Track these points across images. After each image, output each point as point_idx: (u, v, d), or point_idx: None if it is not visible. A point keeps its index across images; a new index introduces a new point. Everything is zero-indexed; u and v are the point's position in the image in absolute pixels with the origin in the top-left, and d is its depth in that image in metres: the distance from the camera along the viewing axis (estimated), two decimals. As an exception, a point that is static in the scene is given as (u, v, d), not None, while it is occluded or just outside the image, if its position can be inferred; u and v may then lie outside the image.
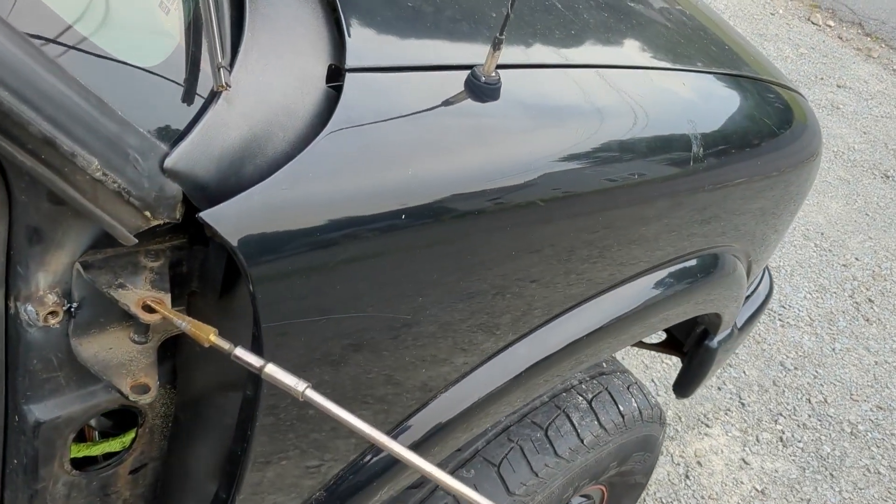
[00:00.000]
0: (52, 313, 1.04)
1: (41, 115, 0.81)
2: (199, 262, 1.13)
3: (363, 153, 1.13)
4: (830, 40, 7.40)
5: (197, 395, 1.29)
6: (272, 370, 1.01)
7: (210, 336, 1.03)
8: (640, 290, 1.77)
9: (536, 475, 1.80)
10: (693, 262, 1.89)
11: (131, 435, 1.28)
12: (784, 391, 3.99)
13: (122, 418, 1.31)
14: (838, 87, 6.69)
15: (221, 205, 0.97)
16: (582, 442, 1.87)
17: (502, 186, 1.27)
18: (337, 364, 1.23)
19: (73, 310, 1.06)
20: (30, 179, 0.92)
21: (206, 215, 0.96)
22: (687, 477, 3.49)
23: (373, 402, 1.35)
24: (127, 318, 1.13)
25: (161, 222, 0.95)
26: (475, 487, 1.77)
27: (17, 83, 0.79)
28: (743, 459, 3.61)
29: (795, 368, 4.14)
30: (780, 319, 4.35)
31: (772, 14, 7.49)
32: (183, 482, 1.40)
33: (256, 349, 1.10)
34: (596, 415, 1.92)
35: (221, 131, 1.00)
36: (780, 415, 3.86)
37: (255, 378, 1.15)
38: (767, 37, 7.09)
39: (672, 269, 1.82)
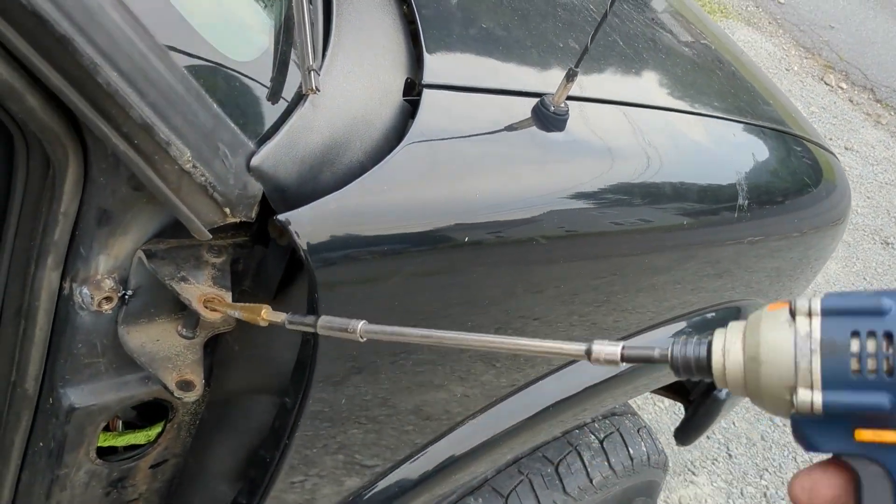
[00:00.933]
0: (107, 298, 1.02)
1: (144, 100, 0.79)
2: (257, 262, 1.11)
3: (433, 170, 1.12)
4: (842, 102, 7.48)
5: (227, 395, 1.26)
6: (325, 321, 0.94)
7: (262, 313, 0.99)
8: (658, 340, 1.76)
9: (543, 510, 1.78)
10: (714, 315, 1.88)
11: (157, 429, 1.25)
12: (771, 447, 3.99)
13: (148, 410, 1.28)
14: (846, 149, 6.76)
15: (299, 209, 0.95)
16: (591, 482, 1.85)
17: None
18: (373, 380, 1.21)
19: (126, 297, 1.04)
20: (112, 162, 0.90)
21: (284, 218, 0.94)
22: (669, 524, 3.47)
23: (396, 424, 1.33)
24: (177, 310, 1.11)
25: (237, 220, 0.93)
26: (482, 516, 1.75)
27: (128, 66, 0.77)
28: (726, 511, 3.60)
29: (784, 425, 4.14)
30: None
31: (787, 70, 7.56)
32: (197, 481, 1.37)
33: (310, 359, 1.08)
34: (606, 455, 1.90)
35: (306, 135, 0.98)
36: (766, 470, 3.85)
37: (299, 386, 1.12)
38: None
39: (693, 319, 1.81)
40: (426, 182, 1.11)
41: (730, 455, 3.89)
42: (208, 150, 0.86)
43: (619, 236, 1.37)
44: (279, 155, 0.94)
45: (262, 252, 1.10)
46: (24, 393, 1.09)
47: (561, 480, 1.81)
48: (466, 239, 1.12)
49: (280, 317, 0.98)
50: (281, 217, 0.94)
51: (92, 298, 1.00)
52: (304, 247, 0.96)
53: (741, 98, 1.93)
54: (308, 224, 0.96)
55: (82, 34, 0.73)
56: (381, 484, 1.42)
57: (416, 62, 1.22)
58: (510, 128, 1.25)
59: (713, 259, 1.66)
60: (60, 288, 1.02)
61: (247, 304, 1.00)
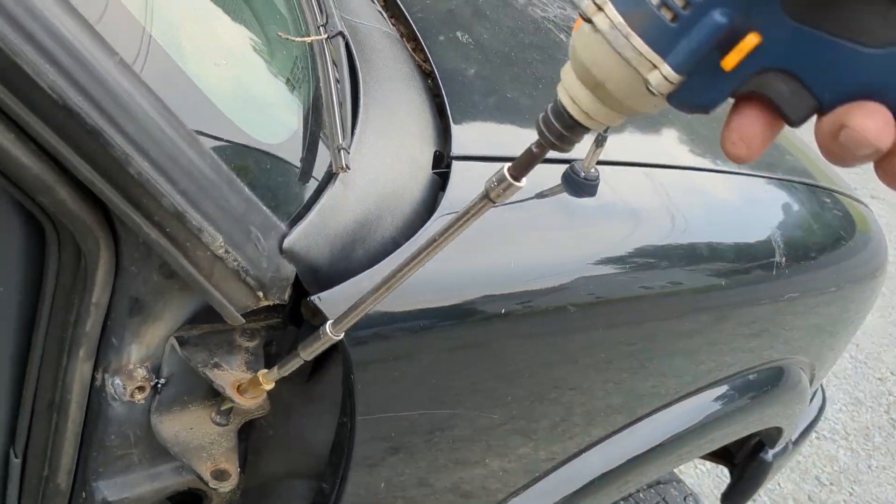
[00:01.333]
0: (140, 388, 1.00)
1: (176, 188, 0.78)
2: (290, 344, 1.09)
3: (466, 242, 1.09)
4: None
5: (263, 481, 1.23)
6: (305, 346, 0.92)
7: (261, 378, 0.97)
8: (702, 405, 1.70)
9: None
10: (757, 376, 1.82)
11: (192, 520, 1.21)
12: (820, 508, 3.84)
13: (183, 500, 1.25)
14: (871, 197, 6.69)
15: (332, 290, 0.93)
16: (638, 554, 1.78)
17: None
18: (410, 459, 1.17)
19: (159, 386, 1.02)
20: (144, 250, 0.89)
21: (317, 300, 0.92)
22: (719, 592, 3.33)
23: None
24: (210, 397, 1.09)
25: (270, 303, 0.91)
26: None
27: (159, 155, 0.76)
28: (777, 577, 3.45)
29: (831, 484, 4.00)
30: (815, 431, 4.23)
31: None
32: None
33: (348, 440, 1.04)
34: (653, 526, 1.83)
35: (337, 214, 0.97)
36: (816, 533, 3.71)
37: (336, 470, 1.09)
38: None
39: (735, 382, 1.76)
40: (459, 254, 1.09)
41: (778, 519, 3.75)
42: (240, 235, 0.85)
43: (649, 300, 1.33)
44: (311, 235, 0.93)
45: (295, 333, 1.08)
46: (56, 488, 1.06)
47: (608, 554, 1.74)
48: (503, 311, 1.10)
49: (273, 372, 0.96)
50: (314, 298, 0.92)
51: (124, 389, 0.99)
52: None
53: (766, 152, 1.91)
54: (343, 304, 0.94)
55: (113, 125, 0.72)
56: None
57: (444, 134, 1.22)
58: (541, 195, 1.24)
59: (748, 319, 1.61)
60: (92, 379, 1.00)
61: (252, 378, 0.98)
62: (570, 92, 0.60)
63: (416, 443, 1.13)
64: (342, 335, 0.89)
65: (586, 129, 0.62)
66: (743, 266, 1.55)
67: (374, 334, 0.98)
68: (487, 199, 0.72)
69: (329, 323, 0.88)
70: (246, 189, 0.86)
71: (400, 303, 1.00)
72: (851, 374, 4.74)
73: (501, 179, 0.69)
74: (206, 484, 1.01)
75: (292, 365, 0.95)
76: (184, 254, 0.83)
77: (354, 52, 1.13)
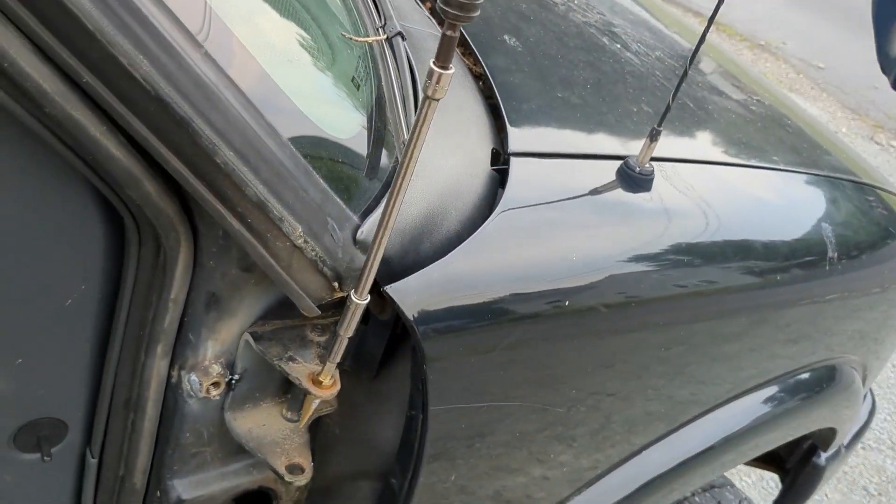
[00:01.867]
0: (215, 384, 1.01)
1: (259, 177, 0.80)
2: (357, 340, 1.10)
3: (527, 236, 1.11)
4: (895, 160, 7.37)
5: (329, 481, 1.24)
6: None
7: (320, 377, 0.99)
8: (752, 406, 1.68)
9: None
10: (809, 375, 1.80)
11: (260, 520, 1.22)
12: (869, 518, 3.77)
13: (249, 502, 1.26)
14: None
15: (405, 280, 0.95)
16: (697, 558, 1.76)
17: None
18: (479, 453, 1.18)
19: (233, 382, 1.03)
20: (223, 245, 0.91)
21: (391, 289, 0.94)
22: None
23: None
24: (281, 393, 1.10)
25: (344, 294, 0.93)
26: None
27: (243, 145, 0.78)
28: (830, 590, 3.39)
29: (879, 494, 3.93)
30: (860, 441, 4.16)
31: (835, 132, 7.51)
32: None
33: (419, 434, 1.05)
34: (711, 530, 1.81)
35: (405, 206, 0.98)
36: (868, 544, 3.63)
37: (406, 466, 1.10)
38: (832, 154, 7.07)
39: (787, 382, 1.73)
40: (521, 248, 1.10)
41: (828, 530, 3.69)
42: (318, 225, 0.87)
43: (683, 300, 1.31)
44: (382, 226, 0.94)
45: (362, 329, 1.09)
46: (132, 487, 1.08)
47: (666, 559, 1.72)
48: (567, 303, 1.10)
49: (328, 365, 0.98)
50: (387, 289, 0.94)
51: (200, 385, 1.00)
52: (411, 318, 0.96)
53: (810, 151, 1.89)
54: (414, 294, 0.96)
55: (201, 115, 0.75)
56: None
57: (499, 133, 1.23)
58: (595, 191, 1.25)
59: (785, 322, 1.56)
60: (168, 376, 1.02)
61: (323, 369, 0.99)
62: None
63: (484, 436, 1.14)
64: (367, 298, 0.90)
65: None
66: (785, 265, 1.52)
67: (447, 326, 0.99)
68: (429, 98, 0.75)
69: (351, 292, 0.90)
70: (321, 180, 0.88)
71: (471, 296, 1.01)
72: (895, 384, 4.67)
73: (431, 75, 0.73)
74: (282, 478, 1.03)
75: (339, 348, 0.96)
76: (264, 244, 0.85)
77: (409, 52, 1.15)
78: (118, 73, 0.70)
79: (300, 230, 0.85)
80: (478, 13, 0.69)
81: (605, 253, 1.19)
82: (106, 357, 1.03)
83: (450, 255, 0.99)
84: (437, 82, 0.74)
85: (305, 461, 1.05)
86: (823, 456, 2.20)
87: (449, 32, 0.70)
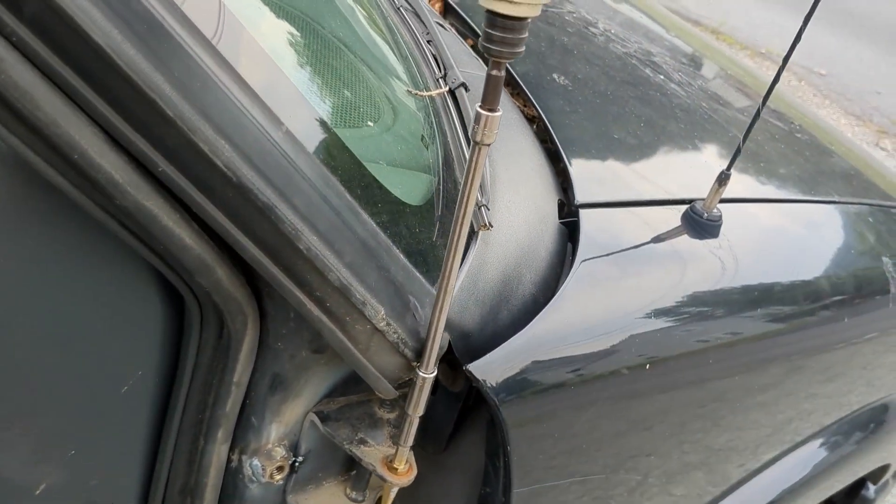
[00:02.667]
0: (279, 468, 0.94)
1: (342, 260, 0.73)
2: (425, 412, 1.03)
3: (603, 294, 1.04)
4: (901, 166, 7.32)
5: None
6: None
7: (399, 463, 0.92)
8: (810, 455, 1.61)
9: None
10: (862, 416, 1.73)
11: None
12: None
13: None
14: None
15: (486, 357, 0.88)
16: None
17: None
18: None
19: (296, 464, 0.96)
20: (293, 327, 0.84)
21: (474, 368, 0.87)
22: None
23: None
24: (344, 472, 1.03)
25: (426, 377, 0.86)
26: None
27: (326, 227, 0.72)
28: None
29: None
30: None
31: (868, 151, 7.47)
32: None
33: None
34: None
35: (482, 274, 0.92)
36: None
37: None
38: (838, 162, 7.03)
39: (841, 426, 1.66)
40: (599, 305, 1.03)
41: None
42: (401, 305, 0.80)
43: (765, 342, 1.24)
44: (462, 299, 0.88)
45: (430, 399, 1.02)
46: (189, 577, 1.01)
47: None
48: (647, 366, 1.04)
49: (403, 449, 0.90)
50: (471, 367, 0.87)
51: (263, 470, 0.93)
52: (494, 395, 0.89)
53: (858, 178, 1.83)
54: (498, 370, 0.89)
55: (284, 200, 0.68)
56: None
57: (558, 177, 1.17)
58: (662, 239, 1.18)
59: (822, 366, 1.45)
60: (228, 461, 0.94)
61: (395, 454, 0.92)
62: None
63: (570, 493, 1.07)
64: (434, 371, 0.84)
65: (522, 20, 0.61)
66: (852, 301, 1.45)
67: (530, 395, 0.92)
68: (479, 144, 0.69)
69: (417, 367, 0.84)
70: (402, 256, 0.81)
71: (552, 362, 0.94)
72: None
73: (479, 119, 0.67)
74: (351, 565, 0.95)
75: (409, 429, 0.89)
76: (343, 329, 0.78)
77: (470, 104, 1.09)
78: (197, 160, 0.63)
79: (382, 313, 0.78)
80: (522, 49, 0.63)
81: (677, 304, 1.13)
82: (161, 442, 0.96)
83: (532, 322, 0.93)
84: (486, 126, 0.68)
85: (374, 545, 0.98)
86: (872, 489, 2.14)
87: (494, 72, 0.65)
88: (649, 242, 1.15)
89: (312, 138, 0.75)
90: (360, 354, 0.80)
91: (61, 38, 0.56)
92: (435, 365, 0.84)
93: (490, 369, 0.88)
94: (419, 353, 0.84)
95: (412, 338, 0.82)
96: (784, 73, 1.09)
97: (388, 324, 0.79)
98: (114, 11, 0.57)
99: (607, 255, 1.08)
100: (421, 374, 0.83)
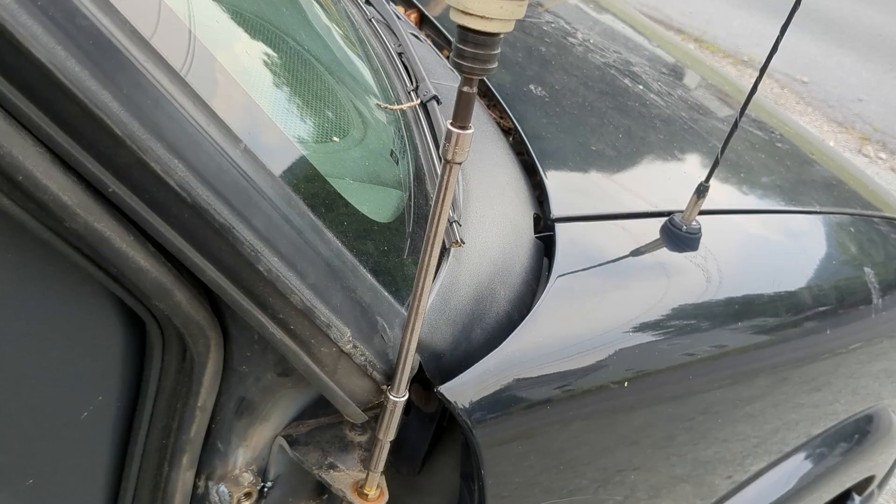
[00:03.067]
0: (247, 494, 0.91)
1: (305, 282, 0.71)
2: (398, 433, 1.00)
3: (579, 310, 1.02)
4: (884, 172, 7.37)
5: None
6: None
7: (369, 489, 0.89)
8: (793, 470, 1.59)
9: None
10: (846, 428, 1.71)
11: None
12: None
13: None
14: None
15: (458, 378, 0.85)
16: None
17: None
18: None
19: (265, 490, 0.93)
20: (258, 349, 0.81)
21: (446, 390, 0.84)
22: None
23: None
24: (315, 496, 1.00)
25: (396, 400, 0.83)
26: None
27: (288, 248, 0.69)
28: None
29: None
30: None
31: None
32: None
33: None
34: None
35: (454, 291, 0.89)
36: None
37: None
38: (821, 169, 7.05)
39: (823, 440, 1.65)
40: (575, 322, 1.01)
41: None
42: (368, 327, 0.77)
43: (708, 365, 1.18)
44: (433, 319, 0.85)
45: (404, 420, 1.00)
46: None
47: None
48: (625, 383, 1.01)
49: (374, 474, 0.88)
50: (443, 389, 0.84)
51: (231, 496, 0.90)
52: (467, 416, 0.86)
53: (839, 188, 1.80)
54: (471, 391, 0.86)
55: (242, 220, 0.65)
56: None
57: (534, 190, 1.15)
58: (641, 252, 1.16)
59: (808, 377, 1.43)
60: (194, 487, 0.91)
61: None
62: (459, 5, 0.58)
63: None
64: (405, 395, 0.82)
65: (494, 36, 0.59)
66: (835, 311, 1.42)
67: (503, 415, 0.90)
68: (450, 163, 0.67)
69: (387, 389, 0.82)
70: (369, 276, 0.78)
71: (526, 381, 0.92)
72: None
73: (450, 137, 0.65)
74: None
75: (380, 454, 0.86)
76: (308, 352, 0.75)
77: (443, 118, 1.06)
78: (149, 180, 0.60)
79: (349, 335, 0.75)
80: (495, 65, 0.61)
81: (657, 319, 1.11)
82: (125, 470, 0.92)
83: (505, 342, 0.90)
84: (457, 144, 0.65)
85: (347, 572, 0.94)
86: (858, 500, 2.12)
87: (465, 88, 0.62)
88: (627, 256, 1.13)
89: (273, 155, 0.72)
90: (326, 378, 0.78)
91: (1, 55, 0.53)
92: (406, 388, 0.81)
93: (462, 391, 0.85)
94: (389, 376, 0.82)
95: (380, 360, 0.80)
96: (766, 81, 1.07)
97: (355, 346, 0.76)
98: (57, 26, 0.54)
99: (584, 269, 1.06)
100: (392, 397, 0.81)
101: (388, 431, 0.83)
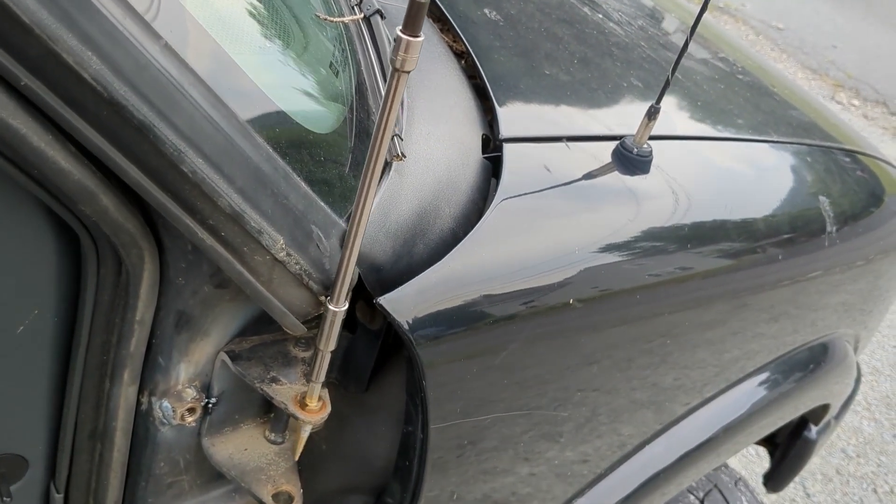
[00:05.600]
0: (190, 410, 0.91)
1: (233, 186, 0.70)
2: (343, 352, 1.01)
3: (526, 228, 1.02)
4: (856, 119, 7.40)
5: (317, 499, 1.14)
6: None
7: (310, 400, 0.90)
8: (748, 392, 1.61)
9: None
10: (802, 355, 1.73)
11: (247, 547, 1.13)
12: (848, 480, 3.79)
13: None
14: None
15: (398, 290, 0.85)
16: (698, 548, 1.71)
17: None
18: (481, 463, 1.09)
19: (210, 406, 0.93)
20: (193, 259, 0.81)
21: (385, 301, 0.84)
22: (757, 574, 3.28)
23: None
24: (262, 414, 1.01)
25: (336, 311, 0.83)
26: None
27: (213, 150, 0.68)
28: (813, 555, 3.40)
29: (858, 456, 3.95)
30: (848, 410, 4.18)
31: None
32: None
33: (419, 453, 0.96)
34: (710, 516, 1.76)
35: (395, 205, 0.89)
36: (848, 506, 3.66)
37: (406, 481, 1.01)
38: (794, 116, 7.07)
39: (780, 365, 1.67)
40: (520, 242, 1.01)
41: (807, 494, 3.70)
42: (302, 235, 0.77)
43: (659, 288, 1.18)
44: (372, 231, 0.85)
45: (349, 339, 1.00)
46: (103, 524, 0.98)
47: (666, 550, 1.67)
48: (571, 301, 1.02)
49: (314, 385, 0.88)
50: (380, 301, 0.84)
51: (174, 412, 0.90)
52: (408, 329, 0.86)
53: (799, 119, 1.80)
54: (411, 304, 0.86)
55: (163, 119, 0.64)
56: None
57: (488, 117, 1.14)
58: (592, 175, 1.16)
59: (765, 304, 1.45)
60: (138, 403, 0.91)
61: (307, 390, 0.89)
62: None
63: (486, 446, 1.06)
64: (345, 306, 0.82)
65: None
66: (754, 244, 1.40)
67: (447, 333, 0.90)
68: (399, 71, 0.66)
69: (326, 300, 0.81)
70: (303, 184, 0.78)
71: (470, 298, 0.92)
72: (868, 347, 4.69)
73: (399, 43, 0.65)
74: (269, 509, 0.93)
75: (321, 364, 0.86)
76: (240, 260, 0.74)
77: (390, 32, 1.05)
78: (63, 73, 0.59)
79: (282, 242, 0.75)
80: None
81: (607, 241, 1.11)
82: (67, 386, 0.92)
83: (447, 257, 0.90)
84: (406, 51, 0.65)
85: (293, 488, 0.95)
86: (814, 430, 2.17)
87: None
88: (578, 179, 1.13)
89: (200, 58, 0.71)
90: (261, 287, 0.77)
91: None
92: (346, 298, 0.81)
93: (403, 302, 0.85)
94: (327, 286, 0.81)
95: (317, 269, 0.79)
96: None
97: (289, 254, 0.76)
98: None
99: (532, 192, 1.06)
100: (331, 307, 0.81)
101: (329, 342, 0.83)
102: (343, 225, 0.83)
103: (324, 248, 0.80)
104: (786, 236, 1.41)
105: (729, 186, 1.38)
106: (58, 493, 1.00)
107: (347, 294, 0.81)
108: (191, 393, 0.91)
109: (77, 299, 0.85)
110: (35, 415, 0.93)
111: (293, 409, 0.87)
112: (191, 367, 0.90)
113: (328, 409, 0.89)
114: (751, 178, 1.45)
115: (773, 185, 1.50)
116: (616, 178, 1.16)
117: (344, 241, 0.78)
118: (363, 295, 0.93)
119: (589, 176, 1.15)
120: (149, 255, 0.78)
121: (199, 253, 0.79)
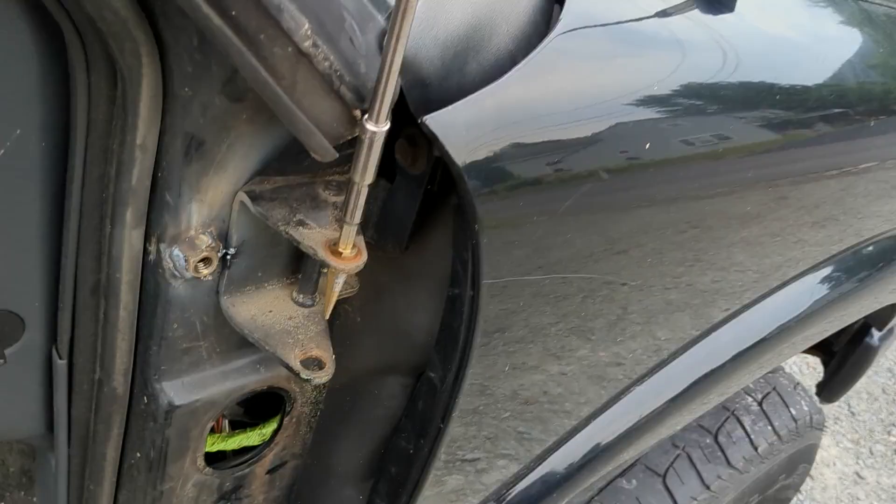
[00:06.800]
0: (205, 260, 0.78)
1: None
2: (381, 203, 0.87)
3: (595, 58, 0.87)
4: None
5: (350, 379, 1.02)
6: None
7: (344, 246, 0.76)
8: (809, 289, 1.46)
9: (708, 488, 1.52)
10: (871, 249, 1.57)
11: (272, 425, 1.02)
12: (895, 399, 3.67)
13: (259, 404, 1.05)
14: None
15: (449, 108, 0.70)
16: (756, 450, 1.59)
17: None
18: (537, 335, 0.96)
19: (228, 257, 0.80)
20: (200, 61, 0.66)
21: (431, 120, 0.69)
22: (799, 491, 3.18)
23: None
24: (289, 273, 0.88)
25: (375, 130, 0.68)
26: (638, 501, 1.50)
27: None
28: (857, 473, 3.30)
29: (905, 376, 3.82)
30: None
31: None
32: (320, 486, 1.14)
33: (468, 317, 0.83)
34: (768, 418, 1.64)
35: (445, 11, 0.74)
36: (894, 425, 3.54)
37: (451, 358, 0.88)
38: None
39: (846, 260, 1.51)
40: (588, 71, 0.86)
41: (852, 413, 3.59)
42: (331, 22, 0.62)
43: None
44: (417, 34, 0.70)
45: (387, 189, 0.86)
46: (112, 393, 0.87)
47: (723, 452, 1.55)
48: (648, 146, 0.87)
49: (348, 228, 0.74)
50: (426, 119, 0.69)
51: (186, 262, 0.77)
52: (459, 162, 0.72)
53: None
54: (463, 129, 0.72)
55: None
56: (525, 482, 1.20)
57: None
58: (667, 13, 1.00)
59: (810, 203, 1.25)
60: (145, 252, 0.79)
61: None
62: None
63: (545, 315, 0.93)
64: (386, 125, 0.66)
65: None
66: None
67: (507, 176, 0.76)
68: None
69: (364, 118, 0.66)
70: (335, -38, 0.63)
71: (536, 134, 0.78)
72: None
73: None
74: (297, 375, 0.81)
75: (356, 202, 0.72)
76: (256, 52, 0.60)
77: None
78: None
79: (307, 27, 0.60)
80: None
81: (667, 93, 0.95)
82: (63, 231, 0.80)
83: (505, 77, 0.75)
84: None
85: (325, 353, 0.83)
86: (877, 335, 2.02)
87: None
88: (652, 14, 0.97)
89: None
90: (282, 91, 0.63)
91: None
92: (387, 116, 0.66)
93: (454, 127, 0.71)
94: (361, 96, 0.67)
95: (349, 71, 0.65)
96: None
97: (315, 44, 0.61)
98: None
99: (596, 25, 0.90)
100: (368, 126, 0.66)
101: (366, 172, 0.69)
102: (382, 21, 0.68)
103: (358, 45, 0.65)
104: (853, 113, 1.22)
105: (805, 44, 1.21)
106: (60, 358, 0.88)
107: (389, 111, 0.66)
108: (205, 240, 0.78)
109: (67, 119, 0.72)
110: (28, 265, 0.81)
111: (323, 254, 0.74)
112: (204, 207, 0.76)
113: (364, 256, 0.76)
114: (831, 38, 1.26)
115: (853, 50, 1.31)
116: (696, 16, 1.01)
117: (385, 40, 0.63)
118: (403, 132, 0.78)
119: (664, 14, 0.99)
120: (147, 53, 0.64)
121: (207, 51, 0.65)
